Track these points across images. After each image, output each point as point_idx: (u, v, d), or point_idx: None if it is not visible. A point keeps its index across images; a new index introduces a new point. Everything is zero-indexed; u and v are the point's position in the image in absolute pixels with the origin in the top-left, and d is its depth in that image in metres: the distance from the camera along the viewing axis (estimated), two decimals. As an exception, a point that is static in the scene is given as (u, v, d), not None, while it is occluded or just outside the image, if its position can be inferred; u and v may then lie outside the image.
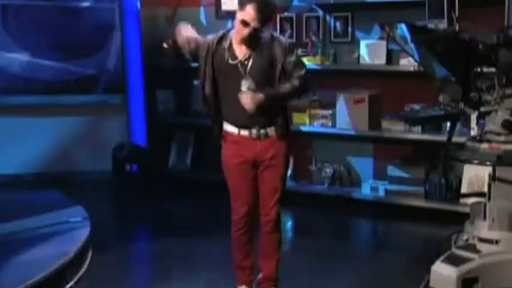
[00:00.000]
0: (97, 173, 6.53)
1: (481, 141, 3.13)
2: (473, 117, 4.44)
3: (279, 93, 3.36)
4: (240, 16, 3.28)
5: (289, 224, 5.55)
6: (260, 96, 3.30)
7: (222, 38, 3.41)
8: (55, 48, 6.50)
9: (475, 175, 5.03)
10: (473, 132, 4.77)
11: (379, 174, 5.69)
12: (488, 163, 3.12)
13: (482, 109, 3.11)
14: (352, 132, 5.62)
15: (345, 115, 5.62)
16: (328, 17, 5.87)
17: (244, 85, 3.33)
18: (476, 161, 3.22)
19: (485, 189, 3.20)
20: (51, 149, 6.59)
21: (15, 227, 4.49)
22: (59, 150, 6.62)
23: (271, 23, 3.52)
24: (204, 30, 6.45)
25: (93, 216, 4.73)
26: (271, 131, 3.42)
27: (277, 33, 3.60)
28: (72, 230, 4.48)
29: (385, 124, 5.53)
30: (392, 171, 5.53)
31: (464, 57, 3.03)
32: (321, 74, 5.84)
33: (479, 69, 3.10)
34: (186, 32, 3.43)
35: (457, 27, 3.31)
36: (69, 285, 3.90)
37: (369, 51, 5.54)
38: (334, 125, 5.71)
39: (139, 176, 6.64)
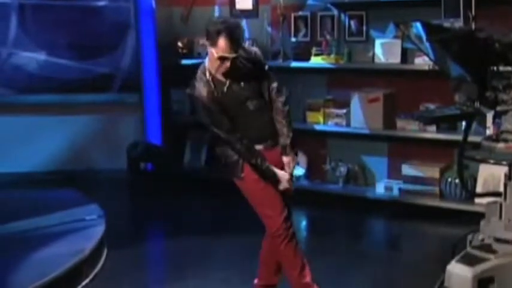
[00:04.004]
0: (112, 171, 6.57)
1: (497, 140, 3.11)
2: (489, 116, 4.40)
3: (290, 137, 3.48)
4: (214, 52, 3.18)
5: (303, 223, 5.55)
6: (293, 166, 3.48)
7: (205, 79, 3.29)
8: (71, 48, 6.55)
9: (490, 174, 5.00)
10: (489, 132, 4.73)
11: (394, 174, 5.67)
12: (504, 163, 3.10)
13: (498, 108, 3.09)
14: (366, 132, 5.61)
15: (359, 114, 5.61)
16: (342, 16, 5.86)
17: (251, 103, 3.34)
18: (492, 161, 3.20)
19: (501, 189, 3.18)
20: (67, 147, 6.64)
21: (32, 224, 4.54)
22: (75, 149, 6.67)
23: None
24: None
25: (108, 214, 4.76)
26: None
27: (248, 46, 3.65)
28: (88, 227, 4.51)
29: (399, 123, 5.51)
30: (407, 170, 5.51)
31: (480, 56, 3.02)
32: (336, 73, 5.84)
33: (495, 68, 3.08)
34: None
35: (473, 26, 3.30)
36: (84, 283, 3.93)
37: (384, 50, 5.53)
38: (348, 124, 5.70)
39: (154, 174, 6.68)
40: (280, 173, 3.40)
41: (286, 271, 3.49)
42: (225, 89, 3.30)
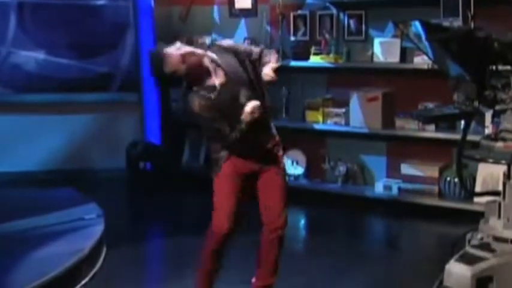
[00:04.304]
0: (111, 171, 6.57)
1: (496, 139, 3.11)
2: (488, 115, 4.41)
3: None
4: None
5: (302, 223, 5.55)
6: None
7: (199, 96, 3.29)
8: (70, 47, 6.54)
9: (489, 174, 5.00)
10: (487, 131, 4.74)
11: (393, 173, 5.67)
12: (503, 162, 3.10)
13: (497, 107, 3.09)
14: (365, 131, 5.61)
15: (358, 113, 5.61)
16: (341, 15, 5.86)
17: (242, 95, 3.29)
18: (491, 160, 3.20)
19: (500, 188, 3.18)
20: (65, 146, 6.64)
21: (31, 224, 4.54)
22: (74, 148, 6.66)
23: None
24: (217, 28, 6.53)
25: (107, 213, 4.76)
26: None
27: (219, 41, 3.61)
28: (87, 227, 4.51)
29: (398, 122, 5.51)
30: (406, 169, 5.51)
31: (479, 55, 3.02)
32: (335, 72, 5.85)
33: (494, 67, 3.08)
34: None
35: (472, 25, 3.30)
36: (83, 282, 3.93)
37: (383, 49, 5.53)
38: (347, 123, 5.70)
39: (153, 173, 6.68)
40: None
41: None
42: (215, 92, 3.28)
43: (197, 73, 3.28)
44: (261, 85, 3.34)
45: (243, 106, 3.25)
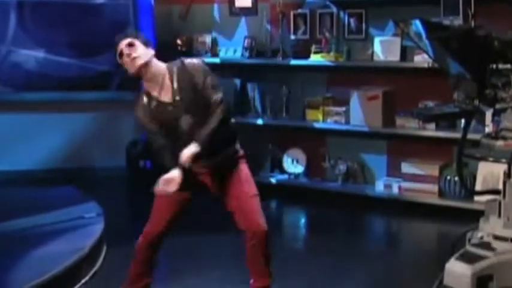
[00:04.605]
0: (111, 169, 6.57)
1: (496, 138, 3.11)
2: (488, 114, 4.41)
3: (208, 133, 3.16)
4: (121, 61, 3.23)
5: (302, 221, 5.55)
6: (193, 149, 3.12)
7: (144, 100, 3.25)
8: (70, 45, 6.54)
9: (489, 172, 5.00)
10: (488, 130, 4.73)
11: (393, 171, 5.67)
12: (503, 160, 3.10)
13: (498, 106, 3.09)
14: (365, 129, 5.61)
15: (358, 112, 5.60)
16: (342, 14, 5.85)
17: (184, 122, 3.19)
18: (491, 159, 3.20)
19: (500, 187, 3.18)
20: (65, 145, 6.63)
21: (31, 222, 4.54)
22: (74, 147, 6.66)
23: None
24: (217, 26, 6.52)
25: (108, 212, 4.76)
26: None
27: (188, 59, 3.32)
28: (87, 225, 4.51)
29: (399, 121, 5.51)
30: (406, 168, 5.51)
31: (480, 53, 3.02)
32: (335, 70, 5.84)
33: (494, 66, 3.08)
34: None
35: (472, 24, 3.29)
36: (84, 281, 3.93)
37: (383, 47, 5.52)
38: (347, 122, 5.70)
39: (153, 172, 6.65)
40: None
41: None
42: (155, 104, 3.20)
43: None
44: (206, 113, 3.19)
45: (183, 131, 3.17)
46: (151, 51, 3.25)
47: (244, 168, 3.42)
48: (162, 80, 3.23)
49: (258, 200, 3.38)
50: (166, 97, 3.22)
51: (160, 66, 3.28)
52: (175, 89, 3.21)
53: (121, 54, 3.22)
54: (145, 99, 3.26)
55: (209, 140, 3.16)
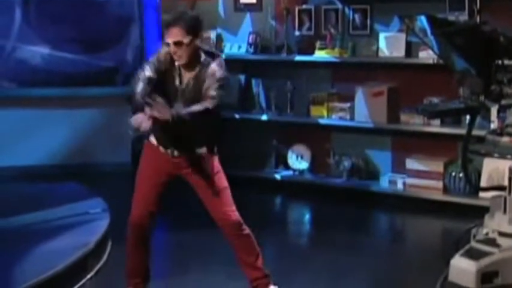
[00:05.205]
0: (116, 165, 6.57)
1: (501, 134, 3.11)
2: (494, 110, 4.41)
3: (192, 112, 3.22)
4: (168, 40, 3.23)
5: (306, 217, 5.55)
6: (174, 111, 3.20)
7: (167, 57, 3.30)
8: (75, 41, 6.54)
9: (495, 169, 4.98)
10: (493, 126, 4.73)
11: (398, 168, 5.67)
12: (508, 156, 3.10)
13: (503, 102, 3.08)
14: (370, 125, 5.60)
15: (363, 108, 5.60)
16: (346, 9, 5.84)
17: (176, 107, 3.25)
18: (496, 155, 3.20)
19: (506, 183, 3.17)
20: (71, 140, 6.64)
21: (36, 218, 4.55)
22: (79, 142, 6.67)
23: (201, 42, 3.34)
24: (222, 22, 6.52)
25: (113, 207, 4.77)
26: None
27: (214, 62, 3.36)
28: (92, 221, 4.52)
29: (403, 117, 5.50)
30: (411, 164, 5.50)
31: (485, 49, 3.01)
32: (340, 66, 5.83)
33: (500, 62, 3.07)
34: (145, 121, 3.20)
35: (478, 20, 3.29)
36: (89, 276, 3.94)
37: (388, 43, 5.52)
38: (352, 118, 5.69)
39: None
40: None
41: None
42: (179, 83, 3.29)
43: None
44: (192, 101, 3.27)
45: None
46: (195, 44, 3.28)
47: (214, 161, 3.46)
48: (190, 68, 3.31)
49: (228, 192, 3.45)
50: (185, 77, 3.30)
51: (196, 61, 3.33)
52: (190, 83, 3.30)
53: (167, 43, 3.26)
54: (167, 59, 3.30)
55: (189, 117, 3.20)
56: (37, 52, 6.48)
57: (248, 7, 6.20)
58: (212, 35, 6.42)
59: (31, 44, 6.46)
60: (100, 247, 4.19)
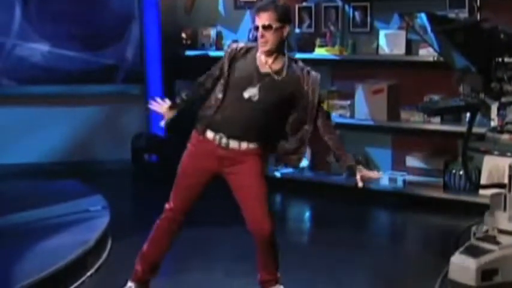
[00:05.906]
0: (116, 163, 6.58)
1: (501, 132, 3.11)
2: (494, 107, 4.41)
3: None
4: (258, 23, 3.20)
5: (306, 215, 5.55)
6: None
7: (249, 49, 3.32)
8: (75, 38, 6.54)
9: (495, 166, 4.98)
10: (493, 123, 4.73)
11: (398, 165, 5.67)
12: (508, 154, 3.10)
13: (503, 99, 3.09)
14: (370, 123, 5.60)
15: (363, 105, 5.60)
16: (346, 7, 5.84)
17: (249, 92, 3.23)
18: (496, 152, 3.20)
19: (506, 181, 3.18)
20: (70, 138, 6.65)
21: (36, 215, 4.55)
22: (79, 140, 6.68)
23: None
24: (222, 20, 6.51)
25: (113, 205, 4.77)
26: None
27: (311, 70, 3.33)
28: (92, 218, 4.52)
29: (404, 115, 5.50)
30: (411, 162, 5.51)
31: (485, 47, 3.01)
32: (340, 64, 5.83)
33: (500, 59, 3.07)
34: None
35: (478, 17, 3.29)
36: (89, 274, 3.94)
37: (388, 41, 5.51)
38: (352, 116, 5.69)
39: (158, 165, 6.68)
40: None
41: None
42: (260, 67, 3.24)
43: None
44: (276, 116, 3.31)
45: (244, 99, 3.23)
46: (282, 33, 3.22)
47: (262, 161, 3.39)
48: (272, 57, 3.25)
49: (267, 198, 3.37)
50: (264, 68, 3.25)
51: (280, 52, 3.27)
52: (276, 78, 3.24)
53: (257, 27, 3.22)
54: (245, 49, 3.31)
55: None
56: (37, 50, 6.48)
57: (248, 5, 6.20)
58: (212, 32, 6.42)
59: (31, 42, 6.46)
60: (100, 245, 4.19)
